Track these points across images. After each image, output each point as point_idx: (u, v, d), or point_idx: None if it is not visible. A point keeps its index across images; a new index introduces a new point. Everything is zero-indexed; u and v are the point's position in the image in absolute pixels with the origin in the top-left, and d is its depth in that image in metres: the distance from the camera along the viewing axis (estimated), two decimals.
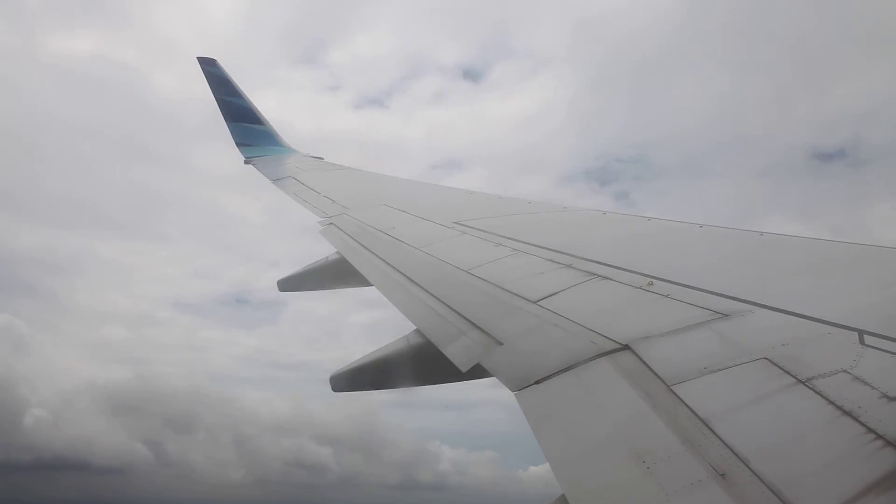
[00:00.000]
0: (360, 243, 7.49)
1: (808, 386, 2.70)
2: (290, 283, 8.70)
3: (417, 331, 5.00)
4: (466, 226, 7.02)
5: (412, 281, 5.76)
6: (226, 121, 15.13)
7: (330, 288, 8.38)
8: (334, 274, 7.81)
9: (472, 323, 4.50)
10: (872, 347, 2.87)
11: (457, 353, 4.23)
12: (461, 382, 4.66)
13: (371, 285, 6.32)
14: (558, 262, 5.14)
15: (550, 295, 4.49)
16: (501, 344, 4.06)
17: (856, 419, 2.41)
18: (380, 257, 6.77)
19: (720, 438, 2.54)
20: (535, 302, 4.44)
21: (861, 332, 2.99)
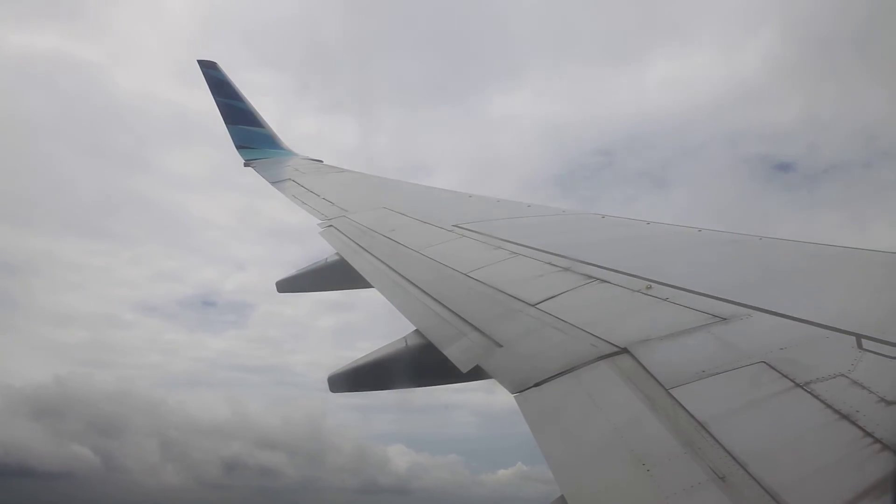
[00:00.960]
0: (359, 245, 7.50)
1: (806, 390, 2.70)
2: (289, 285, 8.71)
3: (416, 332, 5.00)
4: (465, 229, 7.03)
5: (412, 283, 5.77)
6: (225, 123, 15.15)
7: (328, 289, 8.39)
8: (333, 275, 7.82)
9: (472, 325, 4.50)
10: (870, 351, 2.88)
11: (457, 354, 4.23)
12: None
13: (370, 287, 6.32)
14: (557, 266, 5.15)
15: (549, 298, 4.50)
16: (501, 346, 4.06)
17: (854, 423, 2.41)
18: (379, 259, 6.78)
19: (718, 442, 2.54)
20: (533, 305, 4.45)
21: (859, 336, 2.99)
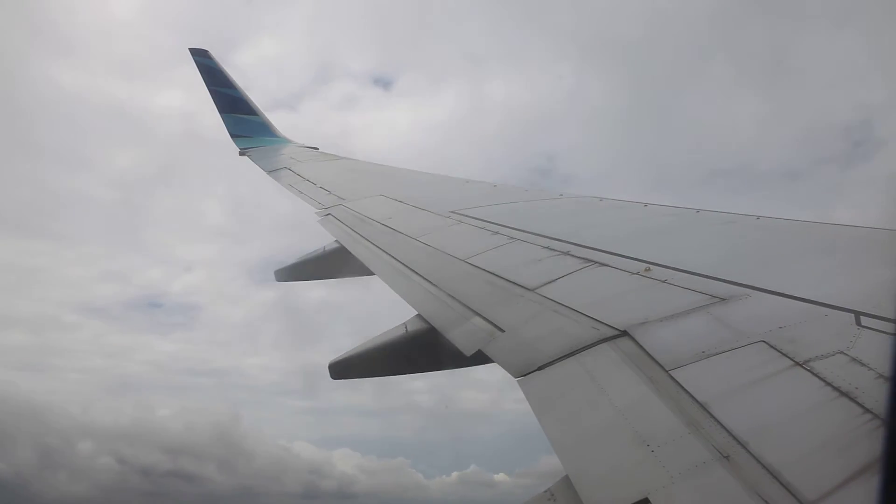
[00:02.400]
0: (358, 234, 7.50)
1: (805, 368, 2.72)
2: (287, 274, 8.72)
3: (416, 318, 5.02)
4: (463, 215, 7.03)
5: (412, 270, 5.78)
6: (219, 112, 15.05)
7: (326, 278, 8.40)
8: (331, 264, 7.83)
9: (473, 310, 4.52)
10: (869, 328, 2.89)
11: (460, 338, 4.25)
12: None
13: (371, 274, 6.34)
14: (555, 250, 5.15)
15: (549, 282, 4.51)
16: (502, 331, 4.08)
17: (853, 400, 2.44)
18: (378, 247, 6.78)
19: (718, 422, 2.56)
20: (533, 289, 4.46)
21: (858, 314, 3.01)
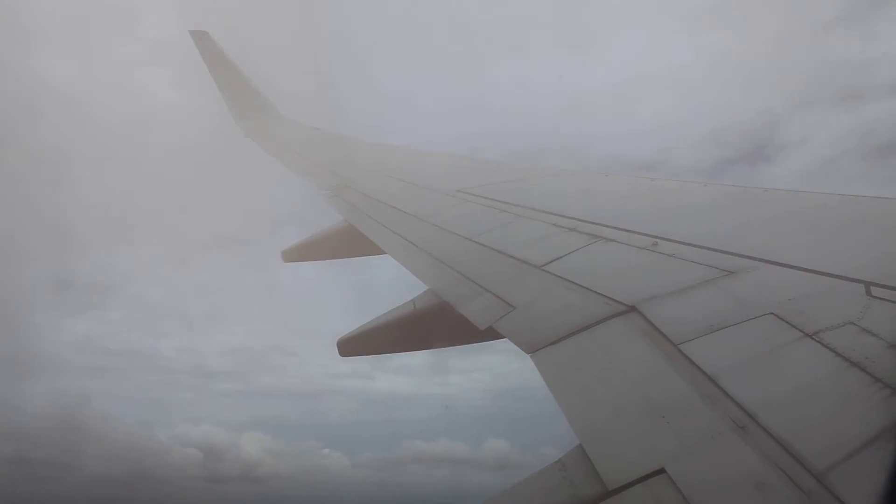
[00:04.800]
0: (365, 214, 7.51)
1: (815, 339, 2.72)
2: (295, 254, 8.75)
3: (425, 294, 5.05)
4: (469, 193, 7.02)
5: (420, 249, 5.79)
6: (221, 93, 14.98)
7: (334, 258, 8.43)
8: (339, 243, 7.86)
9: (483, 287, 4.54)
10: (879, 298, 2.88)
11: (475, 312, 4.26)
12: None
13: (382, 253, 6.38)
14: (562, 227, 5.15)
15: (556, 259, 4.51)
16: (513, 307, 4.10)
17: (863, 370, 2.44)
18: (387, 227, 6.79)
19: (727, 394, 2.57)
20: (541, 266, 4.46)
21: (868, 284, 3.00)
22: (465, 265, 5.05)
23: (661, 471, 2.37)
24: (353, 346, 5.42)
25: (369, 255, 7.10)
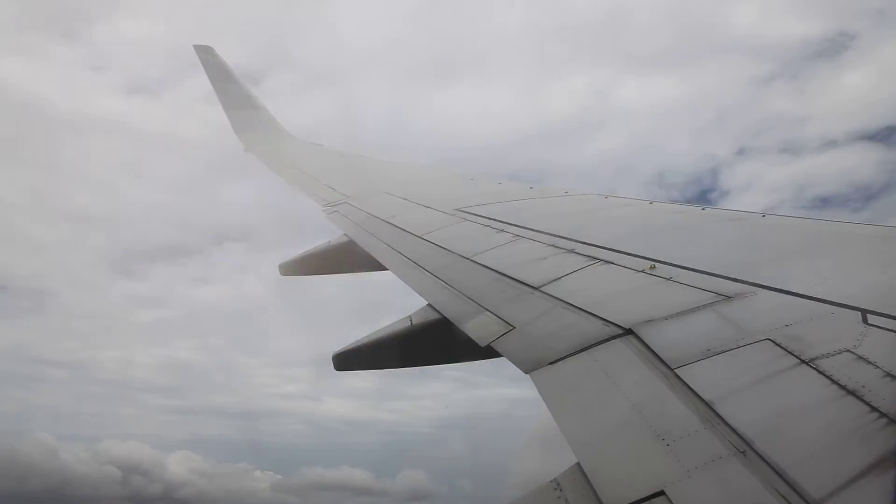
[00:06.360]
0: (365, 231, 7.53)
1: (811, 366, 2.71)
2: (292, 268, 8.74)
3: (422, 310, 5.04)
4: (468, 212, 7.03)
5: (420, 267, 5.80)
6: (224, 109, 15.08)
7: (333, 272, 8.42)
8: (336, 259, 7.87)
9: (482, 306, 4.54)
10: (876, 327, 2.89)
11: (476, 329, 4.26)
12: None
13: (378, 270, 6.39)
14: (560, 248, 5.16)
15: (554, 280, 4.51)
16: (512, 327, 4.09)
17: (860, 398, 2.43)
18: (386, 244, 6.81)
19: (724, 420, 2.56)
20: (538, 287, 4.46)
21: (864, 312, 3.00)
22: (463, 285, 5.05)
23: (661, 493, 2.35)
24: (348, 360, 5.39)
25: (367, 270, 7.11)
